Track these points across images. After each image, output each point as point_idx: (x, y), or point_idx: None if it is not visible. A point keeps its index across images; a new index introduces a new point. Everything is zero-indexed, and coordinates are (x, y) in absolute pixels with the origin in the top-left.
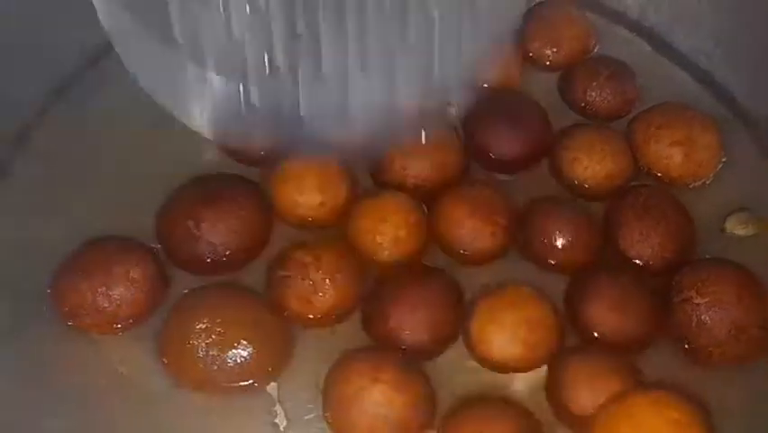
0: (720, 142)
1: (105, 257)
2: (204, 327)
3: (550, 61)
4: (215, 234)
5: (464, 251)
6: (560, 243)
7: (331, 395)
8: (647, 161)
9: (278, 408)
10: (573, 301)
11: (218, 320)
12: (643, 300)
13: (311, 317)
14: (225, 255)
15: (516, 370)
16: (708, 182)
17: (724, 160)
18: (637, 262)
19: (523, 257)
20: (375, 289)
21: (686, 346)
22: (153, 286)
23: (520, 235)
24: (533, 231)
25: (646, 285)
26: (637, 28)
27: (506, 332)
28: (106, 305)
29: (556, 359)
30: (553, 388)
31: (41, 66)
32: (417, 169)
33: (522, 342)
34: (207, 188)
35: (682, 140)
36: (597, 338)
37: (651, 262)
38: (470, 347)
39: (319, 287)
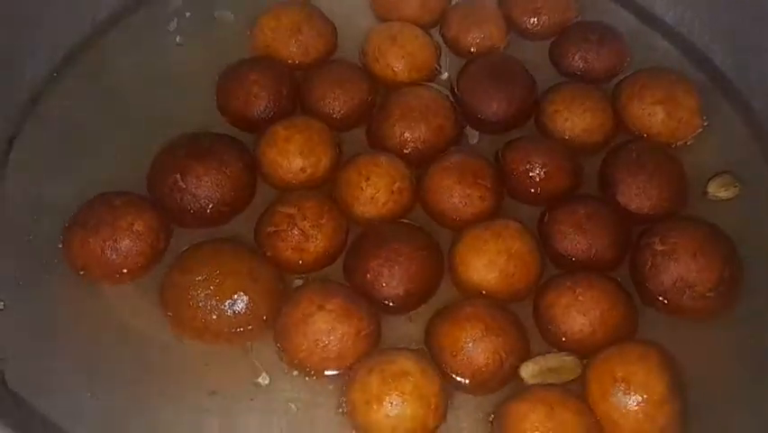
0: (700, 104)
1: (111, 211)
2: (202, 278)
3: (532, 30)
4: (200, 187)
5: (457, 217)
6: (537, 169)
7: (280, 322)
8: (631, 119)
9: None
10: (543, 221)
11: (216, 272)
12: (609, 226)
13: (303, 263)
14: (209, 208)
15: (492, 296)
16: (689, 143)
17: (705, 124)
18: (638, 213)
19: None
20: (356, 242)
21: (639, 288)
22: (157, 237)
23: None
24: (513, 163)
25: (616, 216)
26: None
27: (485, 258)
28: (114, 257)
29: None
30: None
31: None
32: (417, 132)
33: (500, 270)
34: (195, 145)
35: (664, 99)
36: (563, 256)
37: (651, 213)
38: (451, 270)
39: (308, 234)
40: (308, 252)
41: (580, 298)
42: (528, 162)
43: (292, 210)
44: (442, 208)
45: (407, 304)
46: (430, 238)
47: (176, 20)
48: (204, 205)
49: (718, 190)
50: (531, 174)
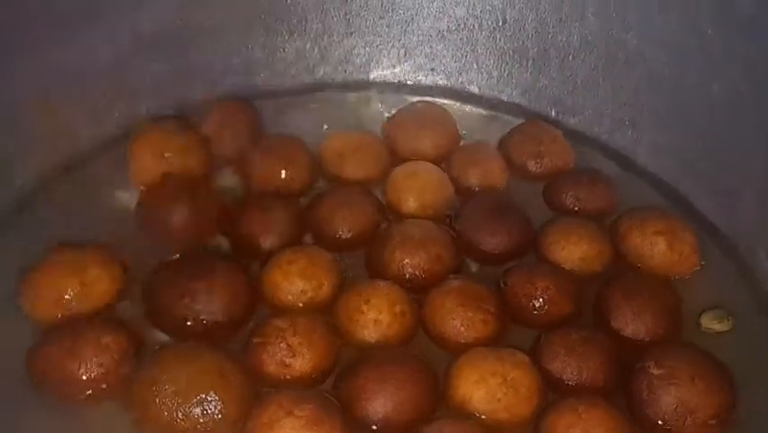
0: (697, 243)
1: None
2: (171, 375)
3: (533, 173)
4: (205, 305)
5: (459, 341)
6: (540, 292)
7: (247, 426)
8: (631, 249)
9: None
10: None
11: (186, 369)
12: (602, 352)
13: (286, 381)
14: (211, 326)
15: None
16: (686, 279)
17: (703, 263)
18: (631, 338)
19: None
20: (349, 363)
21: (637, 414)
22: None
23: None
24: (515, 287)
25: (610, 342)
26: (605, 149)
27: (477, 373)
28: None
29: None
30: None
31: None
32: (416, 260)
33: (487, 391)
34: (197, 264)
35: (665, 231)
36: (553, 376)
37: (645, 339)
38: (444, 383)
39: (296, 350)
40: (293, 369)
41: (584, 416)
42: (531, 285)
43: (284, 324)
44: (443, 331)
45: (391, 430)
46: (428, 368)
47: None
48: (208, 323)
49: (711, 323)
50: (534, 297)
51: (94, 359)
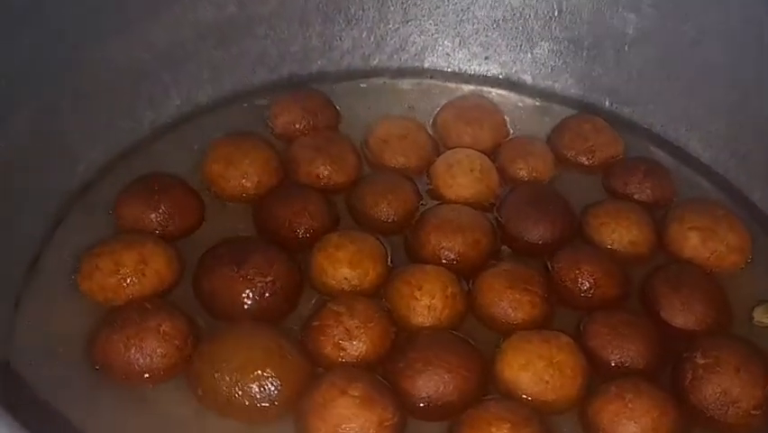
0: (745, 243)
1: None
2: (230, 352)
3: (585, 166)
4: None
5: (506, 322)
6: (586, 276)
7: (301, 404)
8: (668, 240)
9: None
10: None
11: (246, 346)
12: (645, 336)
13: (344, 361)
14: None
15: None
16: (737, 272)
17: (749, 261)
18: (681, 329)
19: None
20: (400, 343)
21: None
22: (184, 341)
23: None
24: (562, 271)
25: (654, 327)
26: (658, 141)
27: (523, 357)
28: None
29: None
30: None
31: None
32: (452, 244)
33: (534, 373)
34: (240, 247)
35: (702, 227)
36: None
37: (695, 330)
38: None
39: (353, 334)
40: (350, 353)
41: (630, 405)
42: (578, 268)
43: (341, 308)
44: (491, 313)
45: (439, 412)
46: (475, 350)
47: None
48: (263, 302)
49: (763, 316)
50: (581, 280)
51: (157, 349)
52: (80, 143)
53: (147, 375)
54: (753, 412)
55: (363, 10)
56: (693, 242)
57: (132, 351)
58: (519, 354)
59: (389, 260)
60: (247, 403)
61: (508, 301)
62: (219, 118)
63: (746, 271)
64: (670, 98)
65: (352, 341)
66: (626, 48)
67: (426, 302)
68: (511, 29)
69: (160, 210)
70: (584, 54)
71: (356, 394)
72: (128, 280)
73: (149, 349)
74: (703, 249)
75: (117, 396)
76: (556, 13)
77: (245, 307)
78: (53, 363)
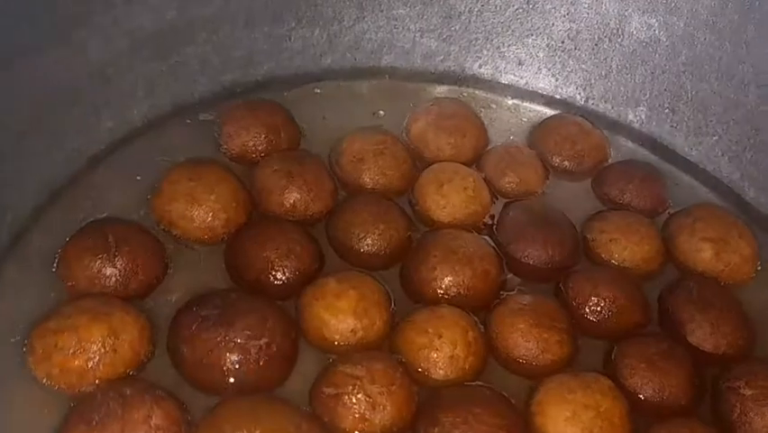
0: (755, 251)
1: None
2: None
3: (573, 172)
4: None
5: (533, 365)
6: (606, 302)
7: None
8: (677, 252)
9: None
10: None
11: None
12: (683, 366)
13: None
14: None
15: None
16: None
17: (759, 269)
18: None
19: None
20: (430, 409)
21: None
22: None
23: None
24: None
25: (689, 356)
26: (640, 137)
27: (568, 409)
28: None
29: None
30: None
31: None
32: (461, 278)
33: (583, 427)
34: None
35: (715, 238)
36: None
37: (726, 353)
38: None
39: (376, 401)
40: (374, 423)
41: None
42: (596, 295)
43: (359, 372)
44: (516, 355)
45: None
46: (512, 407)
47: None
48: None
49: None
50: (601, 306)
51: None
52: (4, 186)
53: None
54: None
55: (316, 6)
56: (706, 254)
57: None
58: (563, 407)
59: (393, 303)
60: None
61: (536, 342)
62: (161, 139)
63: (758, 280)
64: (653, 94)
65: (376, 410)
66: (607, 41)
67: (448, 352)
68: (476, 21)
69: (119, 266)
70: (558, 48)
71: None
72: (97, 360)
73: None
74: (717, 261)
75: None
76: (527, 3)
77: (238, 377)
78: None
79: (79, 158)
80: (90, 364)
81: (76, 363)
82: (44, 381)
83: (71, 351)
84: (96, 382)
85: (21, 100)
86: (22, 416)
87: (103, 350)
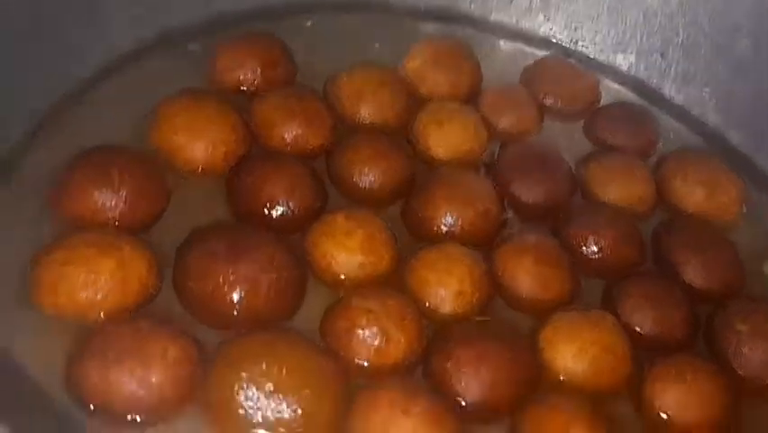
0: (742, 194)
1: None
2: (256, 372)
3: (564, 113)
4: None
5: (537, 301)
6: (605, 240)
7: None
8: (670, 194)
9: None
10: (612, 296)
11: (274, 366)
12: (682, 304)
13: (379, 369)
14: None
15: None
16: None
17: (744, 211)
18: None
19: None
20: (441, 343)
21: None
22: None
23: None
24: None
25: (685, 294)
26: (628, 81)
27: (575, 345)
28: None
29: None
30: None
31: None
32: (465, 215)
33: (590, 362)
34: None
35: (707, 181)
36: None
37: (721, 291)
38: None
39: (391, 335)
40: (388, 355)
41: (692, 386)
42: (596, 233)
43: (373, 305)
44: (520, 293)
45: (495, 412)
46: (525, 341)
47: None
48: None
49: None
50: (599, 246)
51: (167, 380)
52: None
53: (156, 412)
54: None
55: None
56: (699, 196)
57: (137, 387)
58: (570, 343)
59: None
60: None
61: (541, 279)
62: (151, 69)
63: (741, 224)
64: (641, 37)
65: (390, 342)
66: None
67: (456, 288)
68: None
69: (123, 197)
70: None
71: (418, 411)
72: (105, 292)
73: (157, 382)
74: (709, 203)
75: None
76: None
77: (247, 311)
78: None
79: (67, 87)
80: (99, 296)
81: (84, 294)
82: (50, 311)
83: (80, 282)
84: (103, 313)
85: (4, 29)
86: (27, 345)
87: (111, 282)
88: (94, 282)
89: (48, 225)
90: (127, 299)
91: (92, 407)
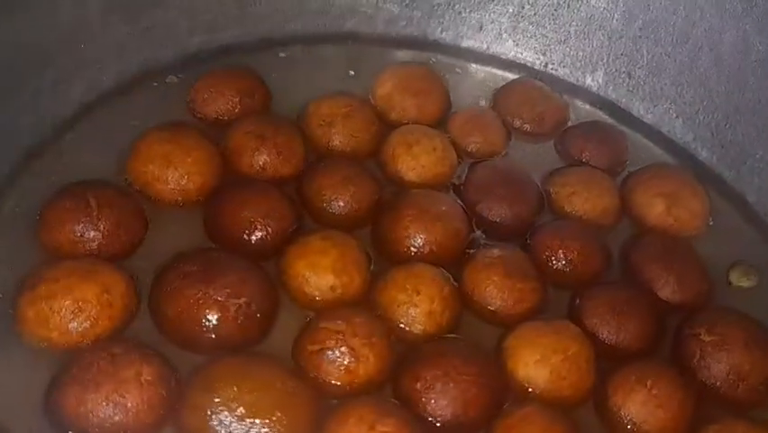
0: (706, 209)
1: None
2: (228, 396)
3: (534, 134)
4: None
5: (509, 314)
6: (573, 252)
7: None
8: (632, 206)
9: None
10: (577, 306)
11: (245, 389)
12: (639, 313)
13: (351, 388)
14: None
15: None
16: (697, 239)
17: (711, 224)
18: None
19: None
20: (410, 364)
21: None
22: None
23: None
24: (545, 249)
25: (651, 303)
26: (598, 101)
27: (537, 353)
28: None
29: None
30: None
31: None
32: (434, 236)
33: (552, 369)
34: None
35: (667, 193)
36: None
37: (691, 303)
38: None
39: (359, 353)
40: (358, 374)
41: (654, 391)
42: (563, 246)
43: (340, 326)
44: (491, 307)
45: (464, 429)
46: (488, 357)
47: None
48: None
49: (741, 280)
50: (566, 257)
51: (142, 403)
52: None
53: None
54: (759, 388)
55: None
56: (658, 209)
57: (113, 409)
58: (532, 350)
59: (372, 263)
60: None
61: (510, 292)
62: (130, 103)
63: (708, 236)
64: (608, 58)
65: (359, 361)
66: (564, 6)
67: (426, 308)
68: None
69: (102, 228)
70: (518, 13)
71: (387, 430)
72: (96, 317)
73: (133, 405)
74: (667, 216)
75: None
76: None
77: (217, 334)
78: None
79: (51, 122)
80: (89, 322)
81: (75, 323)
82: (42, 346)
83: (70, 312)
84: (97, 338)
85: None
86: (13, 379)
87: (99, 307)
88: (82, 309)
89: (31, 256)
90: (116, 321)
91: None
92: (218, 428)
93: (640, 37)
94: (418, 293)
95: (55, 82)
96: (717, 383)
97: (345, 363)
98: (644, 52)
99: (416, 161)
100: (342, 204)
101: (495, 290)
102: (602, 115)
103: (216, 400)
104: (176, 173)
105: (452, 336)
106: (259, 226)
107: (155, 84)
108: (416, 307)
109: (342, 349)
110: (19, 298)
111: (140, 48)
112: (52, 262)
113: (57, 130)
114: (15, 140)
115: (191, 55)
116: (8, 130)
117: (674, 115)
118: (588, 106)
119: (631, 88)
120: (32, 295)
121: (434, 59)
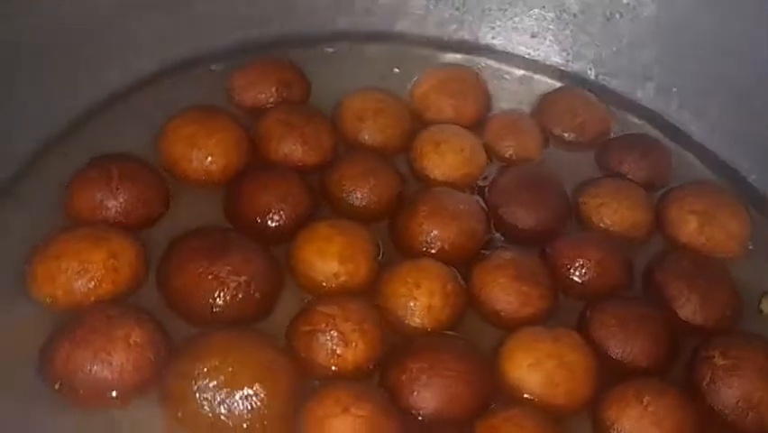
0: (745, 231)
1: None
2: (212, 366)
3: (573, 143)
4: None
5: (514, 318)
6: (590, 263)
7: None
8: (665, 222)
9: None
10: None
11: (229, 359)
12: (651, 331)
13: (338, 370)
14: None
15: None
16: (734, 262)
17: (750, 248)
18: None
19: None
20: (399, 347)
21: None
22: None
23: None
24: (563, 258)
25: (666, 322)
26: (648, 115)
27: (532, 356)
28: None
29: None
30: None
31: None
32: (447, 233)
33: (545, 374)
34: (213, 240)
35: (701, 211)
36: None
37: (713, 326)
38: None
39: (348, 338)
40: (346, 359)
41: (650, 408)
42: (581, 256)
43: (333, 310)
44: (497, 309)
45: (446, 425)
46: (480, 356)
47: None
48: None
49: None
50: (584, 267)
51: (127, 363)
52: (15, 123)
53: (115, 393)
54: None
55: None
56: (691, 226)
57: (100, 366)
58: (528, 354)
59: (381, 254)
60: (233, 424)
61: (517, 295)
62: (170, 89)
63: (746, 259)
64: (661, 72)
65: (348, 346)
66: (618, 16)
67: (425, 302)
68: None
69: (120, 198)
70: (571, 22)
71: (361, 414)
72: (99, 280)
73: (118, 363)
74: (700, 235)
75: (82, 421)
76: None
77: (215, 309)
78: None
79: (88, 104)
80: (92, 284)
81: (79, 283)
82: (47, 302)
83: (75, 273)
84: (98, 300)
85: (34, 42)
86: (16, 333)
87: (104, 270)
88: (87, 271)
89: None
90: (120, 286)
91: (58, 385)
92: (199, 394)
93: (689, 50)
94: (419, 287)
95: (93, 64)
96: (726, 410)
97: (333, 346)
98: (694, 66)
99: (442, 159)
100: (360, 195)
101: (500, 291)
102: (650, 129)
103: (201, 368)
104: (199, 153)
105: (451, 333)
106: (273, 210)
107: (197, 72)
108: (416, 300)
109: (333, 333)
110: (33, 256)
111: (181, 38)
112: (69, 227)
113: (94, 112)
114: (51, 118)
115: (236, 47)
116: (44, 108)
117: (724, 133)
118: (636, 120)
119: (680, 103)
120: (42, 255)
121: (483, 64)
